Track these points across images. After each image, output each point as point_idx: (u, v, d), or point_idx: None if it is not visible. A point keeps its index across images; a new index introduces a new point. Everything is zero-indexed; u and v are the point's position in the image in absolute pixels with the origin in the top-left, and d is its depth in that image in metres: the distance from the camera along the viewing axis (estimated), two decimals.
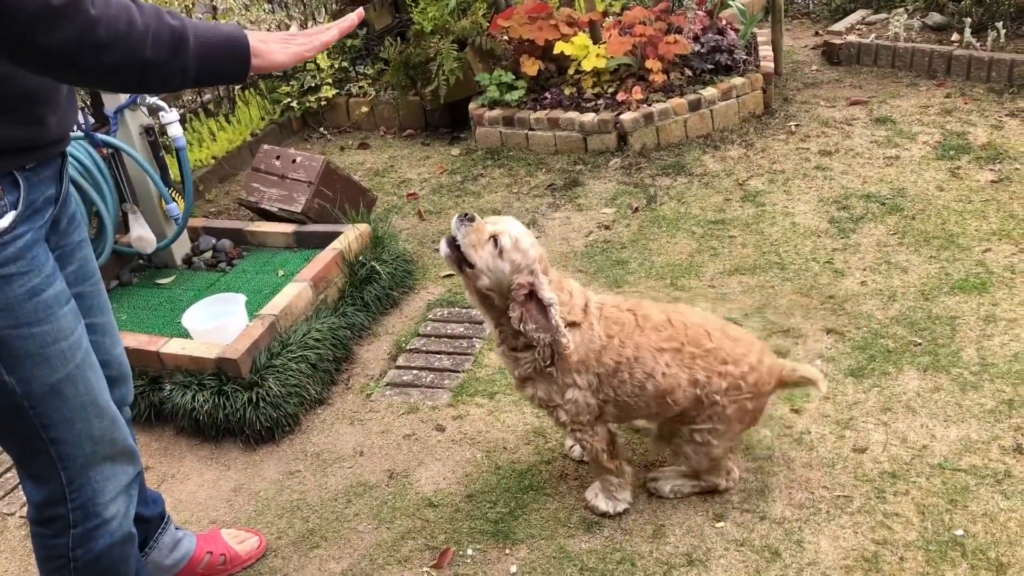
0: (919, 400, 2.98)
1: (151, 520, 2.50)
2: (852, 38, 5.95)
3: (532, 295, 2.37)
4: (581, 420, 2.51)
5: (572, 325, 2.43)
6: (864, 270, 3.72)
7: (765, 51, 5.51)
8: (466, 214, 2.39)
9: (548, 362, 2.43)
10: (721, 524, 2.60)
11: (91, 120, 4.04)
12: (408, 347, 3.63)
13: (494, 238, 2.35)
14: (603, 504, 2.66)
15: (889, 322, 3.38)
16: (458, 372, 3.44)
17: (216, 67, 1.75)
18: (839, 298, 3.57)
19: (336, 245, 3.89)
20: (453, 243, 2.40)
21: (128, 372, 2.29)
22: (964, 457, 2.72)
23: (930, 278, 3.61)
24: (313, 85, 5.94)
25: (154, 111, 3.88)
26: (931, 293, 3.51)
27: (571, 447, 2.93)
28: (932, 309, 3.42)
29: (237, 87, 5.93)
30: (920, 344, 3.24)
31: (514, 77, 5.36)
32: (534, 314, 2.37)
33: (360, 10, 1.98)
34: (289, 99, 5.91)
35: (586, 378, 2.46)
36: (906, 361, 3.16)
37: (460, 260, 2.39)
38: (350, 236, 3.94)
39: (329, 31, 1.90)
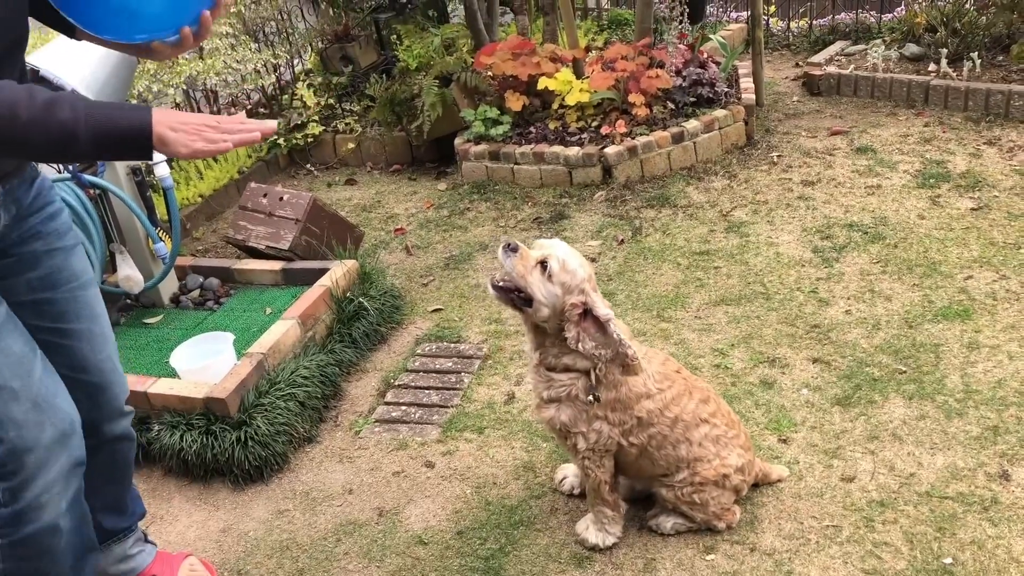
0: (905, 428, 3.00)
1: (109, 530, 2.55)
2: (832, 69, 6.05)
3: (587, 313, 2.38)
4: (597, 451, 2.52)
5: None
6: (848, 299, 3.76)
7: (746, 83, 5.59)
8: (509, 244, 2.39)
9: (612, 375, 2.44)
10: (711, 557, 2.60)
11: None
12: (396, 383, 3.64)
13: (541, 263, 2.36)
14: (593, 537, 2.67)
15: (874, 350, 3.41)
16: (447, 407, 3.44)
17: (115, 154, 1.82)
18: (824, 327, 3.60)
19: (324, 282, 3.90)
20: (498, 285, 2.41)
21: (114, 380, 2.37)
22: (951, 484, 2.74)
23: (913, 306, 3.64)
24: (300, 122, 5.98)
25: None
26: (915, 321, 3.55)
27: (561, 480, 2.93)
28: (916, 337, 3.45)
29: None
30: (905, 372, 3.27)
31: (499, 112, 5.42)
32: (592, 332, 2.37)
33: (273, 123, 1.97)
34: (276, 136, 5.94)
35: (619, 416, 2.49)
36: (892, 389, 3.19)
37: (515, 300, 2.40)
38: (338, 272, 3.96)
39: (252, 134, 1.90)
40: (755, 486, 2.79)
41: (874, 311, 3.65)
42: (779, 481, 2.83)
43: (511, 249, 2.39)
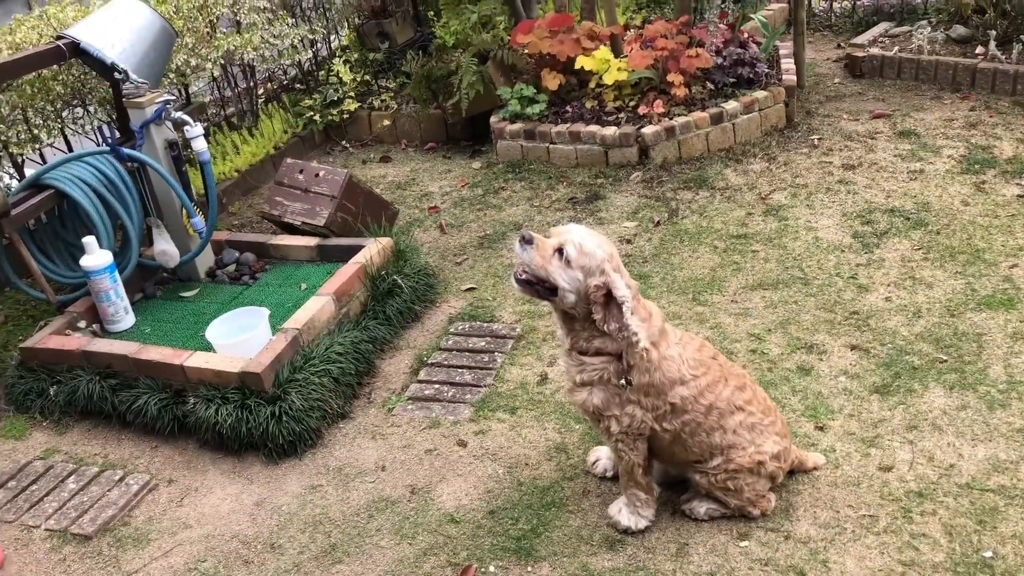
0: (946, 418, 2.94)
1: None
2: (875, 51, 5.92)
3: (610, 295, 2.36)
4: (630, 434, 2.50)
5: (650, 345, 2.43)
6: (889, 286, 3.69)
7: (787, 64, 5.49)
8: (524, 236, 2.38)
9: (644, 359, 2.41)
10: (745, 543, 2.58)
11: (116, 134, 4.09)
12: (430, 361, 3.63)
13: (558, 250, 2.35)
14: (626, 519, 2.65)
15: (914, 338, 3.35)
16: (480, 387, 3.43)
17: None
18: (863, 314, 3.54)
19: (359, 259, 3.90)
20: (521, 278, 2.40)
21: None
22: (992, 477, 2.69)
23: (956, 294, 3.57)
24: (336, 99, 5.97)
25: (179, 125, 3.92)
26: (957, 309, 3.48)
27: (594, 463, 2.92)
28: (958, 326, 3.38)
29: (260, 100, 5.97)
30: (946, 361, 3.21)
31: (535, 91, 5.37)
32: (615, 314, 2.36)
33: None
34: (312, 112, 5.94)
35: (652, 401, 2.47)
36: (932, 378, 3.13)
37: (539, 291, 2.40)
38: (372, 250, 3.96)
39: None
40: (791, 473, 2.76)
41: (915, 299, 3.58)
42: (815, 469, 2.80)
43: (526, 241, 2.38)
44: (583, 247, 2.35)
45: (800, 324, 3.53)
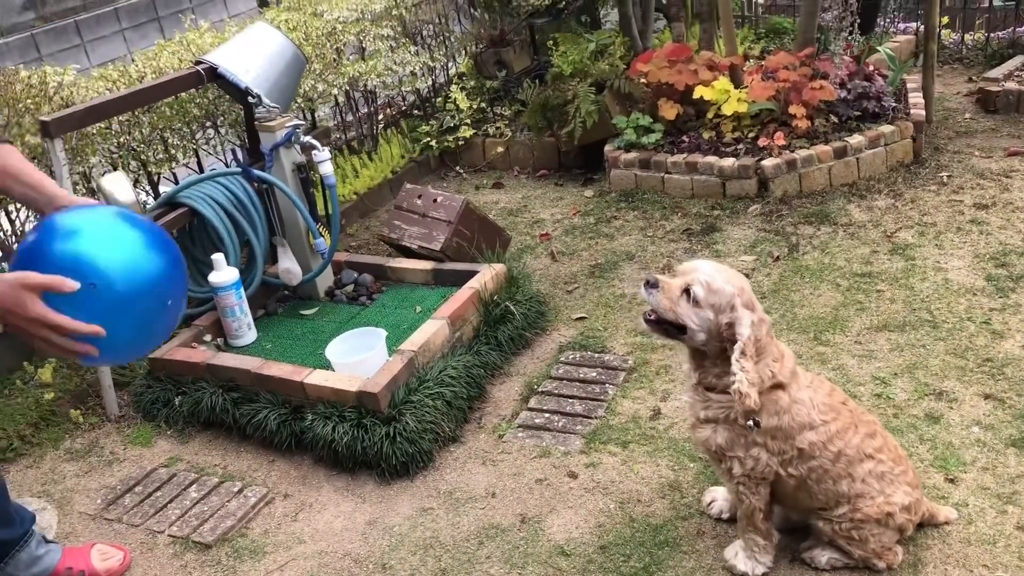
0: None
1: (7, 542, 2.69)
2: (1011, 85, 5.67)
3: None
4: (753, 478, 2.44)
5: (778, 387, 2.38)
6: None
7: (915, 98, 5.30)
8: (648, 280, 2.36)
9: (775, 401, 2.36)
10: None
11: (247, 156, 4.26)
12: (540, 389, 3.63)
13: (686, 291, 2.32)
14: (742, 565, 2.57)
15: None
16: (590, 418, 3.40)
17: None
18: (998, 361, 3.36)
19: (473, 284, 3.93)
20: (650, 319, 2.39)
21: None
22: None
23: None
24: (452, 125, 6.08)
25: (307, 149, 4.05)
26: None
27: (709, 503, 2.85)
28: None
29: (380, 125, 6.13)
30: None
31: (651, 120, 5.34)
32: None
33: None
34: (428, 138, 6.06)
35: (779, 445, 2.40)
36: None
37: (668, 331, 2.38)
38: (486, 275, 3.99)
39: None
40: (920, 526, 2.63)
41: None
42: (946, 523, 2.66)
43: (652, 285, 2.35)
44: (711, 285, 2.31)
45: (928, 369, 3.38)
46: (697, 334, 2.34)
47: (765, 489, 2.47)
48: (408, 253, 4.39)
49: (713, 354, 2.39)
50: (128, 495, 3.33)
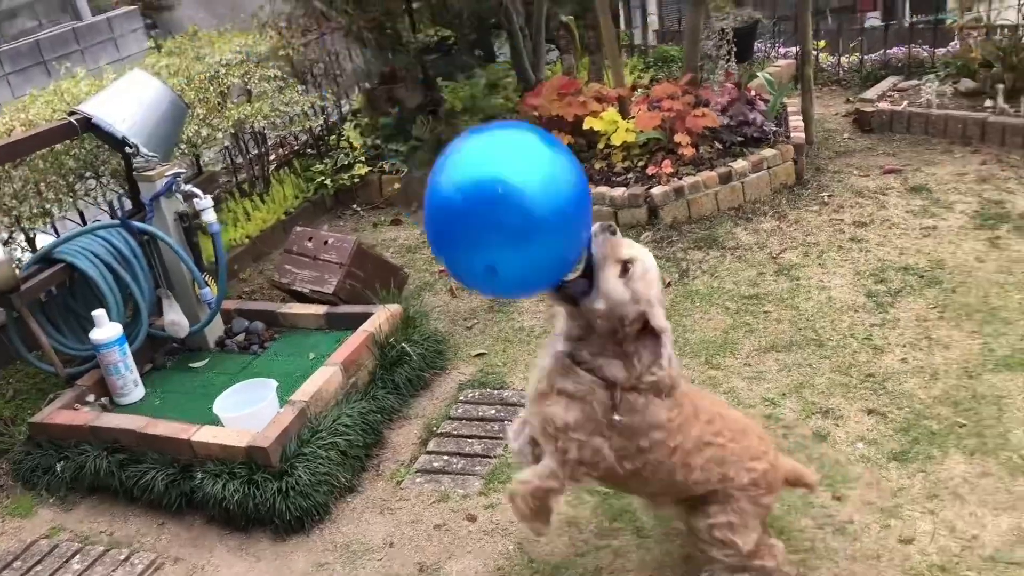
0: (967, 486, 2.87)
1: None
2: (884, 105, 5.93)
3: (645, 327, 2.24)
4: (582, 465, 2.35)
5: (633, 389, 2.30)
6: (904, 346, 3.63)
7: (795, 121, 5.50)
8: (610, 225, 2.23)
9: (635, 400, 2.30)
10: None
11: (128, 206, 4.13)
12: (439, 431, 3.59)
13: (626, 263, 2.22)
14: None
15: (932, 402, 3.28)
16: (489, 457, 3.38)
17: None
18: (879, 376, 3.48)
19: (367, 327, 3.88)
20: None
21: None
22: (1017, 549, 2.61)
23: (973, 355, 3.51)
24: (346, 163, 6.02)
25: (189, 197, 3.95)
26: (975, 371, 3.41)
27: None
28: (977, 388, 3.32)
29: (272, 166, 6.03)
30: (965, 425, 3.14)
31: None
32: (651, 346, 2.25)
33: None
34: (323, 177, 5.99)
35: (622, 442, 2.34)
36: (951, 444, 3.06)
37: (572, 296, 2.25)
38: (381, 317, 3.94)
39: None
40: (793, 486, 2.64)
41: (932, 360, 3.52)
42: (810, 487, 2.67)
43: (610, 230, 2.23)
44: (647, 274, 2.23)
45: (815, 388, 3.47)
46: (599, 301, 2.21)
47: (588, 478, 2.41)
48: (301, 298, 4.32)
49: (602, 332, 2.27)
50: (6, 572, 3.16)
